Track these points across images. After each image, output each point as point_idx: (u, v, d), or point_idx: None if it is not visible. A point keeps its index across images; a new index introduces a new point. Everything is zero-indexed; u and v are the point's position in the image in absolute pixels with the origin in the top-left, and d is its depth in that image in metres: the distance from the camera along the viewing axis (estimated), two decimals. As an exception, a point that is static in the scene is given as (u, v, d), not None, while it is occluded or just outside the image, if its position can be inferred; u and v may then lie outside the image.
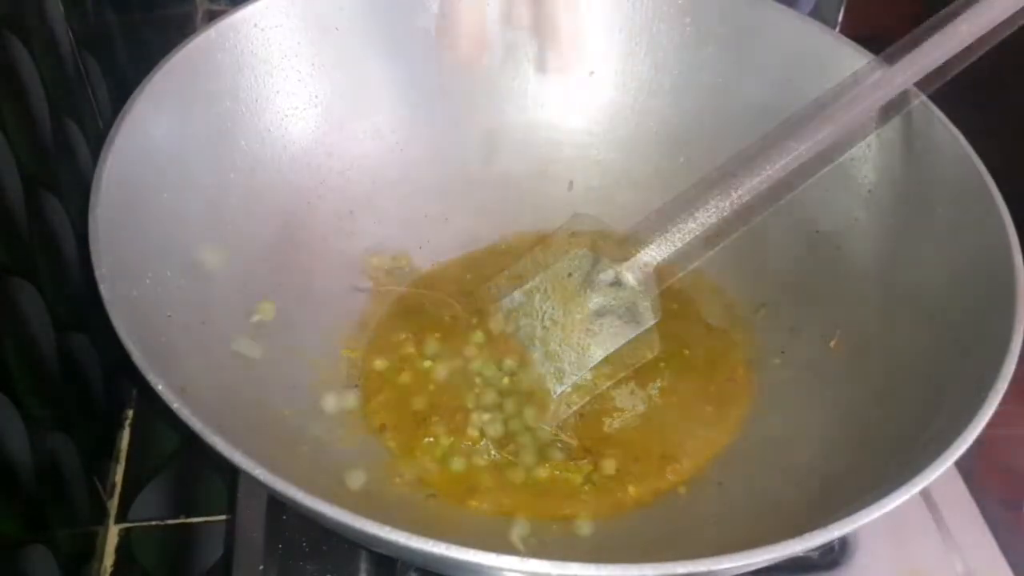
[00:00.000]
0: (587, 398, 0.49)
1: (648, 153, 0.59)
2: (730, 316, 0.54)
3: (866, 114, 0.47)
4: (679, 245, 0.50)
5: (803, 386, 0.49)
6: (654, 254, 0.50)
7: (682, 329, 0.53)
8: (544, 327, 0.51)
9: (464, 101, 0.58)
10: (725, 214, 0.48)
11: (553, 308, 0.52)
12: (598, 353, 0.50)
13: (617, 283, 0.51)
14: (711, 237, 0.49)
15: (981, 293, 0.43)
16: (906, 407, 0.43)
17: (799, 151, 0.47)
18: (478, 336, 0.51)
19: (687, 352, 0.52)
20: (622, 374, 0.50)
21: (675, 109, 0.58)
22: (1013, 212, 0.44)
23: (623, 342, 0.50)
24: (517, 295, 0.52)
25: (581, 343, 0.51)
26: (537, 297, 0.52)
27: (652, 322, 0.51)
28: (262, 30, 0.51)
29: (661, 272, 0.50)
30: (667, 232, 0.50)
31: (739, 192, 0.48)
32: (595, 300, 0.51)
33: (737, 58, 0.56)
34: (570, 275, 0.52)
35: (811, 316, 0.51)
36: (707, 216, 0.49)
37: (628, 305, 0.51)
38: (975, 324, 0.42)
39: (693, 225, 0.49)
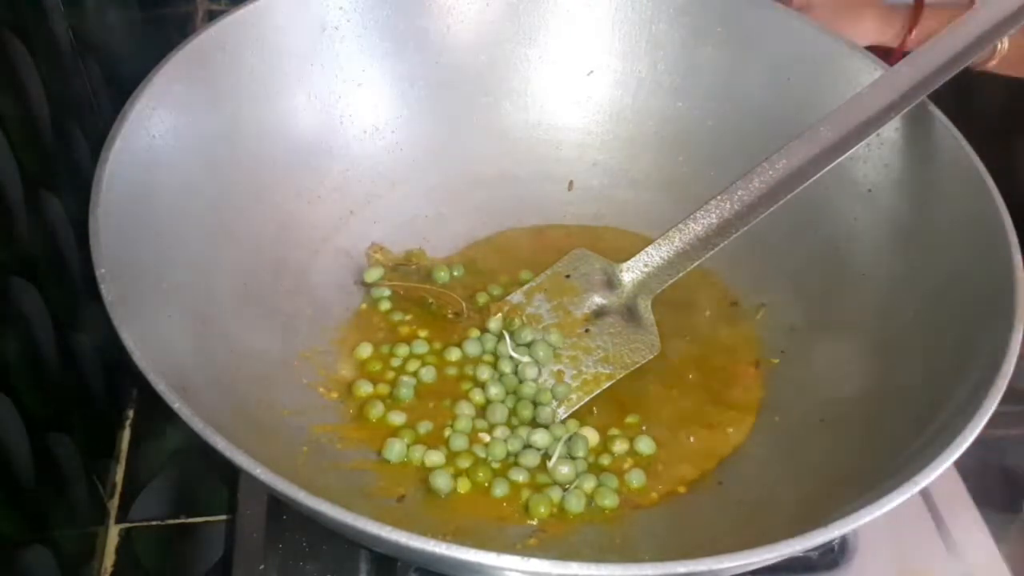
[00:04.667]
0: (587, 399, 0.49)
1: (648, 153, 0.59)
2: (731, 316, 0.54)
3: (867, 115, 0.47)
4: (679, 246, 0.50)
5: (803, 386, 0.49)
6: (654, 255, 0.50)
7: (683, 330, 0.53)
8: (544, 327, 0.51)
9: (464, 101, 0.58)
10: (725, 215, 0.48)
11: (552, 308, 0.52)
12: (598, 353, 0.50)
13: (617, 283, 0.51)
14: (711, 237, 0.49)
15: (981, 293, 0.43)
16: (906, 407, 0.43)
17: (799, 152, 0.47)
18: (478, 334, 0.51)
19: (688, 353, 0.52)
20: (622, 374, 0.50)
21: (675, 109, 0.58)
22: (1013, 212, 0.44)
23: (623, 342, 0.50)
24: (517, 295, 0.52)
25: (580, 343, 0.51)
26: (537, 297, 0.52)
27: (652, 323, 0.51)
28: (262, 30, 0.51)
29: (661, 273, 0.51)
30: (667, 233, 0.50)
31: (739, 193, 0.48)
32: (594, 300, 0.51)
33: (737, 58, 0.56)
34: (568, 276, 0.52)
35: (811, 316, 0.51)
36: (707, 217, 0.49)
37: (628, 305, 0.51)
38: (975, 324, 0.42)
39: (693, 226, 0.49)
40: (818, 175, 0.47)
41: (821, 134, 0.47)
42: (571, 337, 0.51)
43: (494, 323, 0.51)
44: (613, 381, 0.50)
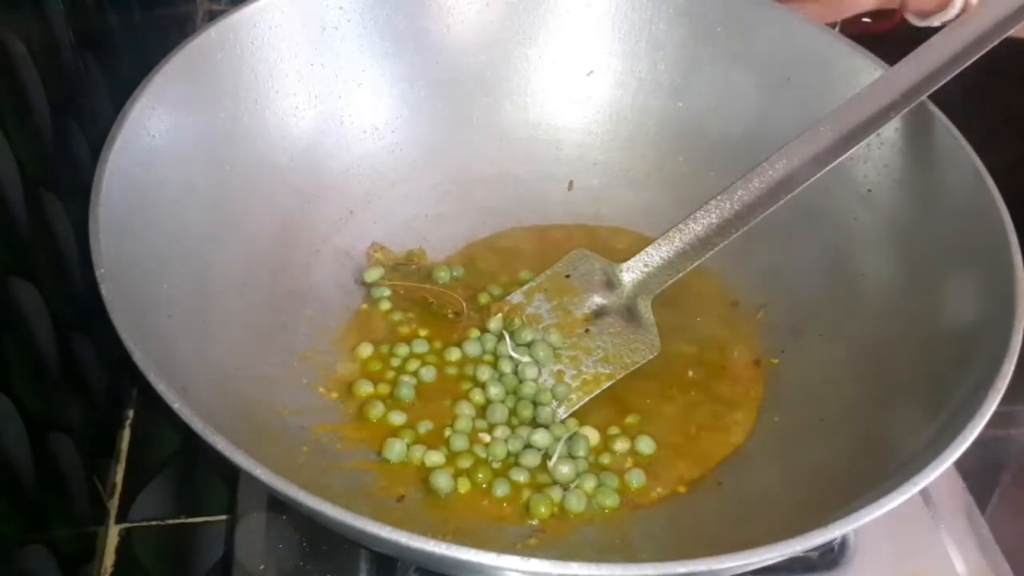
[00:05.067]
0: (586, 399, 0.49)
1: (648, 153, 0.59)
2: (731, 316, 0.54)
3: (867, 115, 0.47)
4: (679, 246, 0.50)
5: (803, 386, 0.49)
6: (654, 255, 0.51)
7: (683, 329, 0.53)
8: (543, 327, 0.51)
9: (464, 101, 0.58)
10: (725, 215, 0.48)
11: (552, 308, 0.52)
12: (598, 353, 0.50)
13: (617, 283, 0.51)
14: (711, 237, 0.49)
15: (981, 293, 0.43)
16: (906, 407, 0.43)
17: (799, 152, 0.47)
18: (478, 334, 0.51)
19: (688, 353, 0.52)
20: (622, 374, 0.50)
21: (675, 109, 0.58)
22: (1013, 212, 0.44)
23: (623, 343, 0.50)
24: (517, 295, 0.52)
25: (580, 343, 0.51)
26: (537, 297, 0.52)
27: (652, 323, 0.51)
28: (262, 30, 0.51)
29: (661, 273, 0.51)
30: (667, 233, 0.50)
31: (739, 193, 0.48)
32: (594, 300, 0.51)
33: (737, 58, 0.56)
34: (568, 276, 0.52)
35: (811, 316, 0.51)
36: (707, 217, 0.49)
37: (628, 305, 0.51)
38: (975, 324, 0.42)
39: (693, 226, 0.49)
40: (818, 175, 0.47)
41: (821, 134, 0.47)
42: (571, 337, 0.51)
43: (494, 323, 0.51)
44: (613, 381, 0.50)
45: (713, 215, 0.49)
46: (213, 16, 0.59)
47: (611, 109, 0.59)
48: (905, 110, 0.47)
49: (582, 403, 0.49)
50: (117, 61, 0.55)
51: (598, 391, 0.50)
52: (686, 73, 0.57)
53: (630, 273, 0.51)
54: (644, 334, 0.51)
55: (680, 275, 0.50)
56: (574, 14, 0.58)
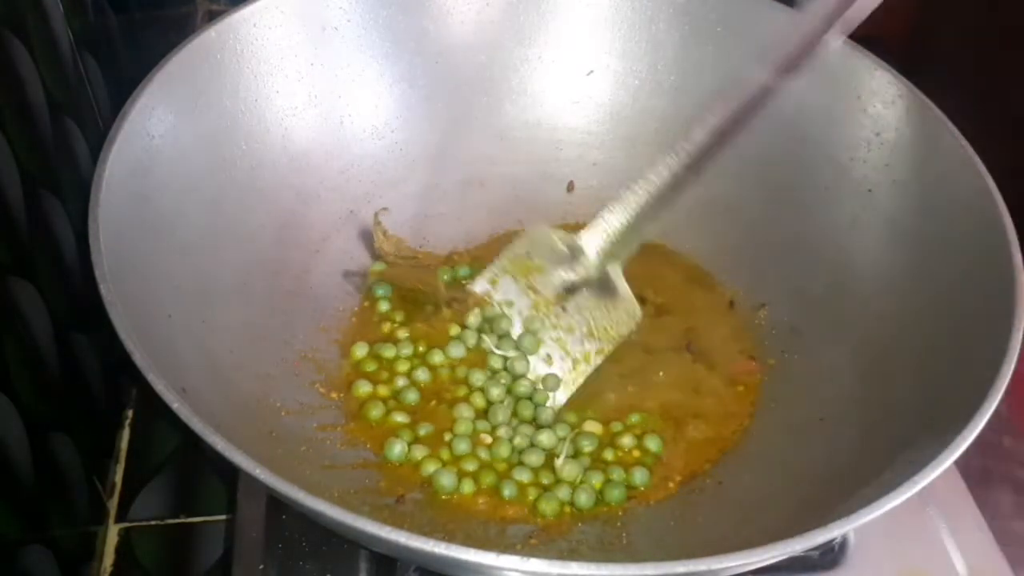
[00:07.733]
0: (582, 379, 0.49)
1: (648, 153, 0.59)
2: (730, 316, 0.54)
3: (795, 48, 0.44)
4: (635, 207, 0.48)
5: (803, 386, 0.49)
6: (611, 220, 0.49)
7: (682, 330, 0.53)
8: (519, 312, 0.50)
9: (464, 101, 0.58)
10: (675, 169, 0.46)
11: (521, 290, 0.51)
12: (581, 330, 0.50)
13: (580, 254, 0.50)
14: (667, 196, 0.47)
15: (981, 293, 0.43)
16: (906, 407, 0.43)
17: (734, 98, 0.45)
18: (458, 331, 0.51)
19: (688, 353, 0.52)
20: (611, 348, 0.49)
21: (675, 109, 0.58)
22: (1013, 213, 0.44)
23: (602, 315, 0.50)
24: (480, 283, 0.51)
25: (560, 323, 0.50)
26: (503, 282, 0.51)
27: (627, 290, 0.50)
28: (262, 30, 0.51)
29: (625, 238, 0.49)
30: (621, 195, 0.48)
31: (686, 146, 0.46)
32: (563, 276, 0.50)
33: (737, 58, 0.56)
34: (528, 254, 0.51)
35: (811, 316, 0.51)
36: (658, 174, 0.47)
37: (599, 276, 0.50)
38: (975, 324, 0.42)
39: (645, 184, 0.47)
40: (758, 113, 0.45)
41: (755, 76, 0.45)
42: (548, 318, 0.50)
43: (472, 318, 0.51)
44: (604, 356, 0.49)
45: (664, 171, 0.47)
46: (213, 16, 0.59)
47: (611, 109, 0.59)
48: (831, 33, 0.43)
49: (576, 385, 0.49)
50: (117, 61, 0.55)
51: (591, 369, 0.49)
52: (686, 73, 0.57)
53: (592, 241, 0.49)
54: (620, 302, 0.50)
55: (645, 238, 0.49)
56: (574, 14, 0.58)
